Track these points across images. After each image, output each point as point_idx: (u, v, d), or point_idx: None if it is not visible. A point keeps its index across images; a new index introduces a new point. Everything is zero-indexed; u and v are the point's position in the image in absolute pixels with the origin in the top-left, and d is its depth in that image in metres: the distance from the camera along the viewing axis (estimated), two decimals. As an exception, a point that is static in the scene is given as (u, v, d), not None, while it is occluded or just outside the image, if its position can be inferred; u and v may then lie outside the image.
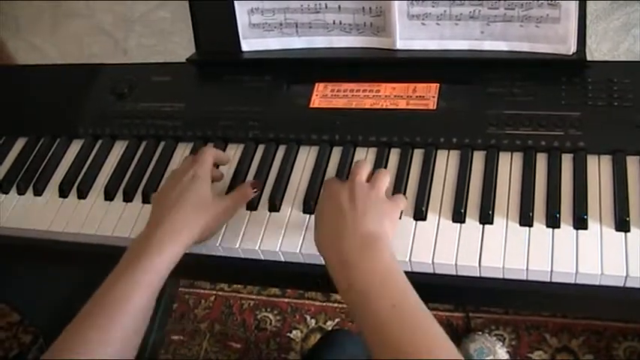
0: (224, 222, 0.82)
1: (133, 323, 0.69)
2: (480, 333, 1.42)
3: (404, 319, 0.63)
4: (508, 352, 1.40)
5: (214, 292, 1.71)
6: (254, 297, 1.67)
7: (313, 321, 1.60)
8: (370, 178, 0.78)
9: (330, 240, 0.71)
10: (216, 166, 0.89)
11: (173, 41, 1.37)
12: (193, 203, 0.77)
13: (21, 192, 0.96)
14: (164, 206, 0.77)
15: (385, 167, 0.85)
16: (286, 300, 1.65)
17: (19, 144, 1.03)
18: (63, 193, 0.94)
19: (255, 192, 0.84)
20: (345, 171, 0.85)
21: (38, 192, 0.95)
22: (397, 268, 0.68)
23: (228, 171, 0.90)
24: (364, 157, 0.87)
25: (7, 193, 0.97)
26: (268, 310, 1.64)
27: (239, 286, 1.70)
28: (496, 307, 1.43)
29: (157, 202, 0.80)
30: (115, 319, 0.68)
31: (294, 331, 1.59)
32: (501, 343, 1.40)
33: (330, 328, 1.57)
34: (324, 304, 1.61)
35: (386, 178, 0.78)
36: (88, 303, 0.70)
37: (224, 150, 0.92)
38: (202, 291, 1.71)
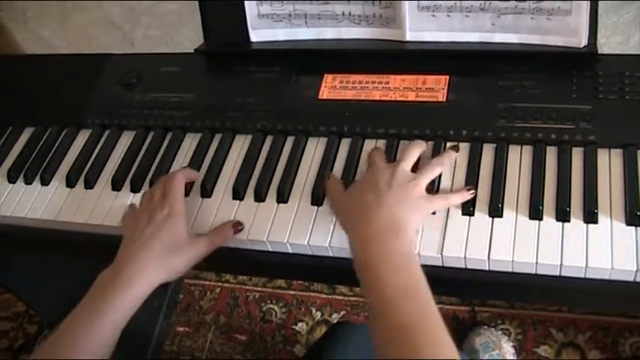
0: (197, 261, 0.78)
1: (93, 357, 0.70)
2: (486, 327, 1.42)
3: (414, 305, 0.63)
4: (514, 346, 1.40)
5: (220, 284, 1.71)
6: (259, 289, 1.67)
7: (319, 313, 1.60)
8: (418, 164, 0.79)
9: (357, 212, 0.72)
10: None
11: (180, 33, 1.37)
12: (166, 244, 0.76)
13: (28, 182, 0.96)
14: (135, 243, 0.76)
15: (394, 160, 0.84)
16: (292, 292, 1.65)
17: (27, 133, 1.03)
18: (70, 183, 0.94)
19: (239, 231, 0.81)
20: (354, 163, 0.85)
21: (45, 182, 0.95)
22: (415, 259, 0.68)
23: (236, 162, 0.90)
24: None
25: (14, 182, 0.97)
26: (274, 302, 1.64)
27: (244, 278, 1.70)
28: (504, 300, 1.43)
29: (128, 235, 0.79)
30: (75, 355, 0.69)
31: (299, 324, 1.59)
32: (507, 338, 1.40)
33: (335, 321, 1.56)
34: (330, 296, 1.61)
35: (432, 173, 0.77)
36: (52, 334, 0.72)
37: (232, 142, 0.92)
38: (208, 282, 1.71)
